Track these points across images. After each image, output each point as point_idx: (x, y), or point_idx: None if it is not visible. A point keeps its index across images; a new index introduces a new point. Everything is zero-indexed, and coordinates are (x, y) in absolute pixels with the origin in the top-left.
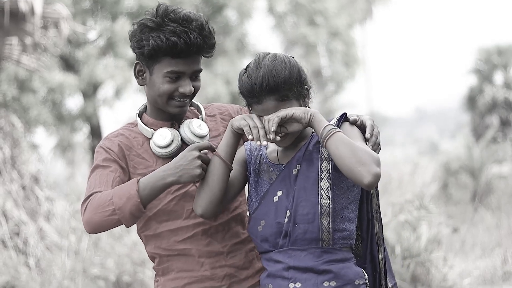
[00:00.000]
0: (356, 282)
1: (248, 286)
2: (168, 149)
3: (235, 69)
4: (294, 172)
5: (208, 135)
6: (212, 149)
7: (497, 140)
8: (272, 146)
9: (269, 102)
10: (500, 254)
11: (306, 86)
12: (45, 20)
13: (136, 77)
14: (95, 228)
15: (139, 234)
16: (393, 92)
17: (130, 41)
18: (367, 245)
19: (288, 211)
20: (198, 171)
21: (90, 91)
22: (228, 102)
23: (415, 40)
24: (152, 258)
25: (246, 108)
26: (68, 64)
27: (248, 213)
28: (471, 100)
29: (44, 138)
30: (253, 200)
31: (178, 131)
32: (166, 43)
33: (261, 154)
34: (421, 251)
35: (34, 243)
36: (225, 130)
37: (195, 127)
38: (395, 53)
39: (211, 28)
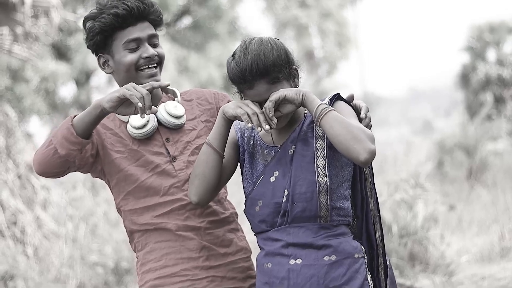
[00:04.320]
0: (356, 255)
1: (227, 262)
2: (144, 130)
3: (228, 53)
4: (290, 152)
5: (184, 116)
6: (162, 87)
7: (492, 117)
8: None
9: (260, 86)
10: (497, 231)
11: (294, 66)
12: (35, 9)
13: (103, 69)
14: (39, 164)
15: (118, 209)
16: (386, 72)
17: (86, 44)
18: (363, 223)
19: (285, 190)
20: (118, 92)
21: (83, 79)
22: (221, 86)
23: (407, 18)
24: (130, 234)
25: (224, 93)
26: (60, 53)
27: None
28: (464, 78)
29: (38, 127)
30: (249, 181)
31: (155, 114)
32: (109, 18)
33: (253, 136)
34: (418, 229)
35: (31, 232)
36: (201, 114)
37: (171, 108)
38: (387, 32)
39: None
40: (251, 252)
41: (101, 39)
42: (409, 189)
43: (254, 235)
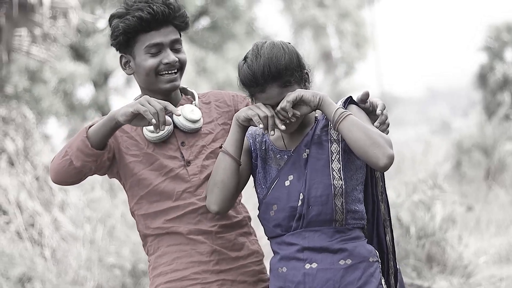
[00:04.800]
0: (371, 259)
1: (238, 265)
2: (160, 133)
3: (245, 54)
4: (304, 156)
5: (201, 120)
6: (169, 112)
7: (509, 117)
8: (276, 134)
9: (272, 90)
10: None
11: (305, 70)
12: (53, 10)
13: (124, 69)
14: (55, 173)
15: (132, 213)
16: (404, 72)
17: (110, 41)
18: (373, 227)
19: (301, 194)
20: (131, 108)
21: (101, 80)
22: (238, 87)
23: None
24: (143, 237)
25: (244, 95)
26: (78, 54)
27: (257, 199)
28: (482, 78)
29: (56, 129)
30: (262, 186)
31: (171, 116)
32: (133, 20)
33: (265, 141)
34: (436, 230)
35: (49, 234)
36: (219, 117)
37: (187, 112)
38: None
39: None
40: (263, 256)
41: (124, 40)
42: (427, 190)
43: (268, 239)
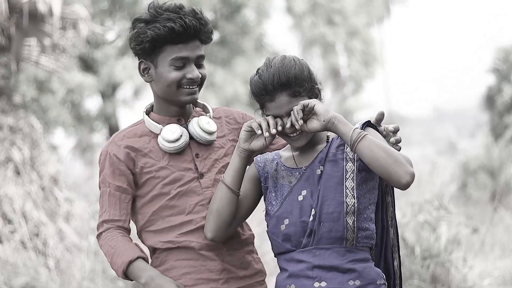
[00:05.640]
0: (378, 282)
1: (245, 285)
2: (177, 144)
3: (254, 69)
4: (317, 172)
5: (216, 132)
6: None
7: None
8: (286, 154)
9: (282, 98)
10: None
11: (316, 86)
12: (63, 21)
13: (142, 76)
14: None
15: (139, 233)
16: (411, 91)
17: (130, 44)
18: (381, 251)
19: (313, 209)
20: None
21: (109, 91)
22: (247, 102)
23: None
24: (152, 251)
25: (252, 116)
26: (87, 65)
27: (265, 216)
28: (490, 100)
29: (63, 139)
30: (273, 203)
31: (186, 127)
32: (164, 30)
33: (276, 162)
34: (441, 251)
35: (53, 244)
36: (229, 133)
37: (204, 123)
38: (412, 52)
39: (203, 13)
40: (266, 275)
41: (149, 47)
42: (433, 211)
43: (275, 256)
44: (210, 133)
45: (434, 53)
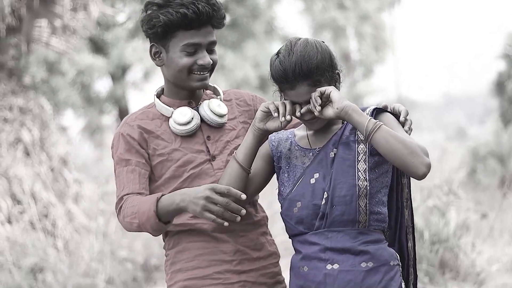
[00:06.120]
0: (391, 263)
1: (259, 267)
2: (188, 127)
3: (264, 53)
4: (331, 155)
5: (227, 115)
6: (230, 195)
7: None
8: (300, 133)
9: (302, 88)
10: None
11: (337, 71)
12: (74, 2)
13: (153, 59)
14: (130, 231)
15: None
16: (421, 77)
17: (142, 27)
18: (396, 233)
19: (325, 192)
20: (198, 209)
21: (119, 73)
22: (256, 85)
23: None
24: (165, 233)
25: (262, 97)
26: (97, 47)
27: (278, 197)
28: (500, 86)
29: (72, 121)
30: (286, 185)
31: (197, 110)
32: (177, 15)
33: (290, 142)
34: (450, 236)
35: (62, 225)
36: (239, 115)
37: (214, 106)
38: (423, 37)
39: None
40: (279, 257)
41: (161, 32)
42: (442, 196)
43: (289, 237)
44: (221, 116)
45: (444, 39)
